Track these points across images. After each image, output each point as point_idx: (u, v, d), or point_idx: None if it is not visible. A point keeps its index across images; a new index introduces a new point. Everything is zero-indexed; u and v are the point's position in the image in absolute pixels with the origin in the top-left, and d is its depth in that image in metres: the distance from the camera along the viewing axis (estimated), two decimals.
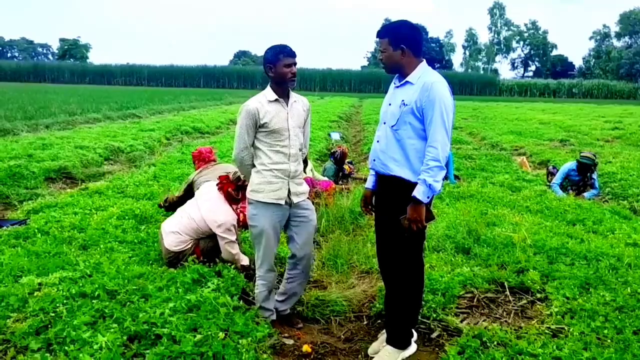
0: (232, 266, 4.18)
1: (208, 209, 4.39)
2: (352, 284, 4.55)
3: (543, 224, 5.77)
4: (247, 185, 3.95)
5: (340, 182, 8.16)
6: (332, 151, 8.88)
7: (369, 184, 3.43)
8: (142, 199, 6.47)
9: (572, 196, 7.53)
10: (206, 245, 4.38)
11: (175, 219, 4.48)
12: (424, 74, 3.01)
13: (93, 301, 3.36)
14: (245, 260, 4.42)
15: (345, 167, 8.62)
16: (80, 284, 3.61)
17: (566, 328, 3.44)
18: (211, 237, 4.36)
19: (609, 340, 3.23)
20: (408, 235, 3.00)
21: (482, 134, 16.73)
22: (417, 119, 2.96)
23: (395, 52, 3.03)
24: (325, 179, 7.54)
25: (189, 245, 4.31)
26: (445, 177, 8.52)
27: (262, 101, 3.42)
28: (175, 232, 4.32)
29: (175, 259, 4.27)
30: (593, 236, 5.44)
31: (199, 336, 2.96)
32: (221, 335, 3.02)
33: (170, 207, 5.43)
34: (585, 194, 7.86)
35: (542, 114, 27.21)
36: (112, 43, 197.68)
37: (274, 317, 3.73)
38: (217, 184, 4.54)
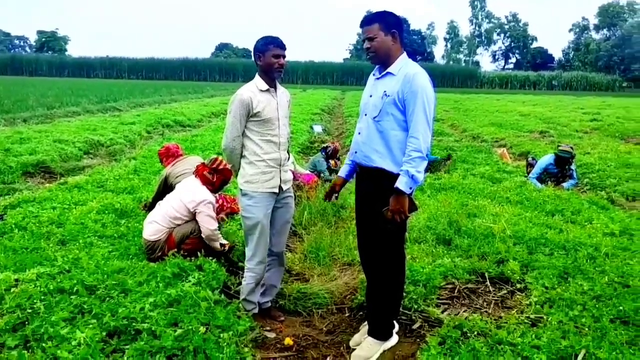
0: (213, 259, 4.15)
1: (186, 191, 4.42)
2: (334, 276, 4.56)
3: (523, 215, 5.83)
4: (221, 168, 3.89)
5: (322, 175, 8.15)
6: (324, 146, 8.88)
7: (343, 172, 3.42)
8: (123, 193, 6.39)
9: (551, 187, 7.61)
10: (179, 233, 4.33)
11: (156, 210, 4.49)
12: (405, 65, 3.01)
13: (71, 297, 3.31)
14: (223, 240, 4.41)
15: (331, 161, 8.63)
16: (59, 280, 3.56)
17: (545, 317, 3.48)
18: (185, 223, 4.34)
19: (586, 329, 3.27)
20: (390, 227, 3.00)
21: (464, 126, 16.84)
22: (399, 110, 2.96)
23: (387, 37, 3.01)
24: (307, 172, 7.53)
25: (163, 235, 4.28)
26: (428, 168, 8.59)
27: (254, 90, 3.43)
28: (153, 221, 4.33)
29: (151, 250, 4.25)
30: (571, 226, 5.51)
31: (179, 331, 2.94)
32: (202, 329, 3.00)
33: (151, 207, 5.39)
34: (564, 184, 7.95)
35: (522, 106, 27.46)
36: (92, 35, 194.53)
37: (256, 310, 3.72)
38: (193, 172, 4.56)
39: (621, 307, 3.50)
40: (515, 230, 5.12)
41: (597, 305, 3.58)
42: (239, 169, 3.56)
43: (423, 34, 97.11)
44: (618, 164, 9.58)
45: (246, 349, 3.07)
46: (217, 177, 4.47)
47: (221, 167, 4.46)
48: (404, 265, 3.32)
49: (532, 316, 3.54)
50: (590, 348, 2.97)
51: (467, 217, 5.64)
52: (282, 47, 3.41)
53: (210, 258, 4.17)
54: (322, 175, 8.09)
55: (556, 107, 27.04)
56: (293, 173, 6.61)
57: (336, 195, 3.47)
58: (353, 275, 4.55)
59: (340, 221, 6.06)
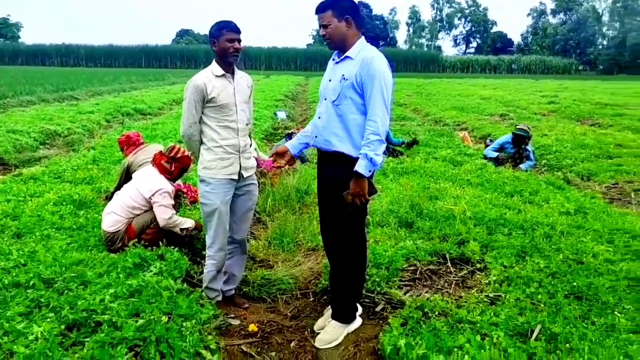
0: (175, 248, 4.10)
1: (143, 180, 4.35)
2: (298, 261, 4.57)
3: (483, 197, 5.95)
4: (179, 157, 3.84)
5: None
6: (288, 132, 8.84)
7: (290, 144, 3.38)
8: (81, 184, 6.24)
9: (509, 168, 7.79)
10: (139, 223, 4.26)
11: (113, 200, 4.40)
12: (363, 49, 3.01)
13: (28, 291, 3.23)
14: (188, 222, 4.36)
15: None
16: (14, 274, 3.46)
17: (503, 295, 3.57)
18: (145, 212, 4.28)
19: (542, 305, 3.38)
20: (351, 210, 3.02)
21: (426, 110, 17.03)
22: (357, 94, 2.96)
23: (341, 24, 3.00)
24: (270, 158, 7.48)
25: (123, 226, 4.21)
26: (393, 152, 8.68)
27: (209, 76, 3.38)
28: (111, 212, 4.26)
29: (110, 241, 4.18)
30: (529, 206, 5.66)
31: (141, 321, 2.90)
32: (164, 319, 2.97)
33: (112, 197, 5.29)
34: (522, 166, 8.16)
35: (483, 89, 27.91)
36: (46, 22, 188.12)
37: (219, 298, 3.70)
38: (151, 160, 4.48)
39: (575, 283, 3.63)
40: (475, 211, 5.22)
41: (552, 282, 3.70)
42: (199, 155, 3.52)
43: (385, 19, 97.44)
44: (574, 145, 9.86)
45: (210, 337, 3.05)
46: (176, 166, 4.40)
47: (179, 155, 4.39)
48: (366, 248, 3.35)
49: (491, 295, 3.63)
50: (545, 323, 3.06)
51: (428, 200, 5.72)
52: (236, 31, 3.36)
53: (172, 247, 4.12)
54: None
55: (516, 90, 27.57)
56: (256, 160, 6.61)
57: (286, 160, 3.41)
58: (317, 260, 4.57)
59: (304, 207, 6.06)
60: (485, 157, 8.56)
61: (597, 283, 3.63)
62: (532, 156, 8.47)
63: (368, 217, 3.30)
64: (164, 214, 4.21)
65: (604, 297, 3.46)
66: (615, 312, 3.28)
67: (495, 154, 8.27)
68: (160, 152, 4.47)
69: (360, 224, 3.21)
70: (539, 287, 3.64)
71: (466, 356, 2.62)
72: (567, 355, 2.73)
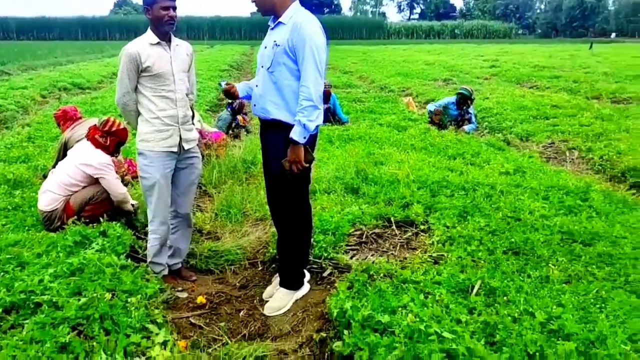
0: (118, 224, 4.01)
1: (79, 156, 4.19)
2: (246, 232, 4.56)
3: (426, 160, 6.07)
4: (114, 130, 3.73)
5: (231, 132, 8.02)
6: (230, 102, 8.65)
7: (240, 86, 3.33)
8: (16, 163, 5.97)
9: (452, 131, 7.97)
10: (77, 201, 4.12)
11: (49, 178, 4.23)
12: (295, 14, 2.95)
13: None
14: (132, 199, 4.30)
15: (239, 117, 8.47)
16: None
17: (446, 254, 3.68)
18: (83, 189, 4.15)
19: (482, 262, 3.51)
20: (290, 177, 3.02)
21: (372, 77, 17.10)
22: (290, 60, 2.92)
23: None
24: (215, 130, 7.37)
25: (60, 204, 4.07)
26: (339, 121, 8.70)
27: (144, 44, 3.27)
28: (47, 191, 4.10)
29: (48, 221, 4.04)
30: (471, 168, 5.82)
31: (83, 299, 2.83)
32: (108, 296, 2.91)
33: None
34: (466, 127, 8.37)
35: (427, 55, 28.25)
36: None
37: (165, 272, 3.66)
38: (85, 135, 4.32)
39: (513, 239, 3.78)
40: (419, 175, 5.33)
41: (492, 240, 3.84)
42: (136, 126, 3.41)
43: None
44: (513, 107, 10.15)
45: (157, 311, 3.02)
46: (111, 140, 4.25)
47: (114, 128, 4.24)
48: (310, 215, 3.37)
49: (434, 255, 3.73)
50: (485, 279, 3.19)
51: (373, 166, 5.79)
52: None
53: (115, 222, 4.02)
54: (230, 132, 7.96)
55: (459, 55, 28.02)
56: (200, 132, 6.49)
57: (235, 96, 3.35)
58: (265, 229, 4.57)
59: (252, 177, 6.02)
60: (429, 113, 8.83)
61: (533, 238, 3.79)
62: (474, 119, 8.68)
63: (310, 184, 3.30)
64: (120, 189, 4.11)
65: (539, 251, 3.62)
66: (550, 265, 3.45)
67: (435, 107, 8.62)
68: (94, 126, 4.29)
69: (302, 191, 3.22)
70: (479, 244, 3.77)
71: (410, 314, 2.69)
72: (505, 308, 2.85)
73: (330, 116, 8.83)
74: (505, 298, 2.97)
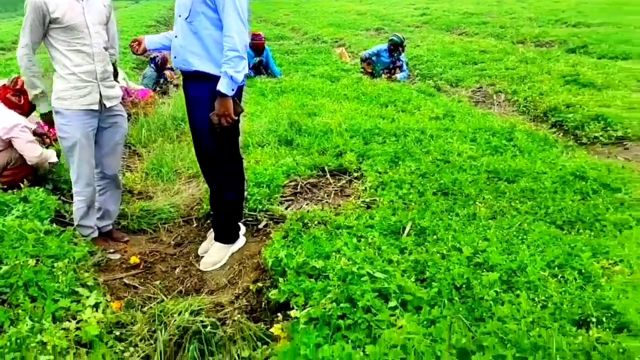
0: (41, 189, 3.82)
1: None
2: (178, 190, 4.47)
3: (359, 109, 6.10)
4: (25, 88, 3.52)
5: (159, 89, 7.75)
6: (151, 57, 8.28)
7: (150, 39, 3.31)
8: None
9: (384, 79, 8.02)
10: None
11: None
12: None
13: None
14: (54, 157, 4.10)
15: (167, 73, 8.17)
16: None
17: (378, 199, 3.75)
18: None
19: (413, 204, 3.60)
20: (220, 131, 2.94)
21: (304, 29, 16.82)
22: (209, 8, 2.79)
23: None
24: (141, 87, 7.09)
25: None
26: (272, 74, 8.57)
27: None
28: None
29: None
30: (402, 115, 5.90)
31: (5, 267, 2.70)
32: (32, 262, 2.79)
33: None
34: (398, 76, 8.44)
35: (359, 4, 27.91)
36: None
37: (95, 234, 3.54)
38: None
39: (442, 181, 3.90)
40: (351, 124, 5.35)
41: (422, 182, 3.94)
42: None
43: None
44: (443, 54, 10.29)
45: (87, 274, 2.92)
46: (24, 99, 3.98)
47: (25, 86, 3.99)
48: (242, 168, 3.33)
49: (367, 200, 3.80)
50: (415, 219, 3.28)
51: (307, 117, 5.77)
52: None
53: (38, 188, 3.83)
54: (157, 89, 7.68)
55: (391, 4, 27.86)
56: (126, 90, 6.22)
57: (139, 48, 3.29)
58: (198, 186, 4.49)
59: (183, 135, 5.85)
60: (361, 61, 8.87)
61: (461, 178, 3.92)
62: (405, 67, 8.75)
63: (241, 136, 3.24)
64: (34, 152, 3.89)
65: (466, 190, 3.75)
66: (477, 203, 3.59)
67: (369, 53, 8.71)
68: (4, 85, 4.00)
69: (232, 144, 3.16)
70: (410, 188, 3.86)
71: (343, 258, 2.74)
72: (434, 245, 2.95)
73: (263, 69, 8.67)
74: (434, 236, 3.07)
